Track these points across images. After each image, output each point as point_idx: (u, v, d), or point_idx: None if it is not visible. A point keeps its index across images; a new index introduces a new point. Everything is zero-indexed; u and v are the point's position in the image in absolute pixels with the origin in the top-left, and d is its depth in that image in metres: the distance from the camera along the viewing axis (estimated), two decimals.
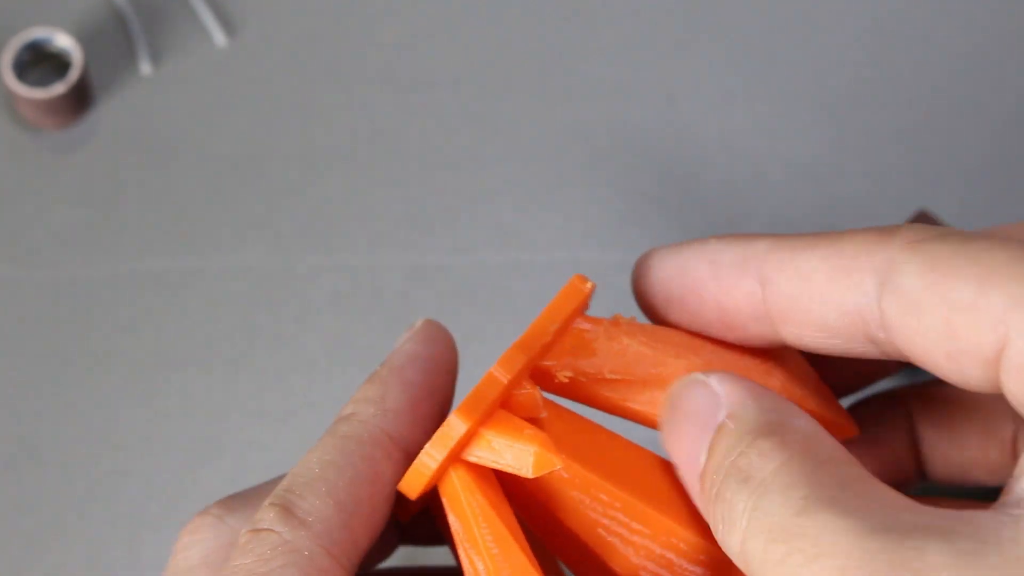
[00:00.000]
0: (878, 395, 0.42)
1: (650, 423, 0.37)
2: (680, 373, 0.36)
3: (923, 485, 0.43)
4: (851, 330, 0.34)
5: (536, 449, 0.34)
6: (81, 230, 0.59)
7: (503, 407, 0.35)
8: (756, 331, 0.36)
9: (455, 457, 0.35)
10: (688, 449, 0.34)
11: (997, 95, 0.62)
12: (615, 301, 0.53)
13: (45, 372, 0.57)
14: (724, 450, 0.33)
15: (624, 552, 0.35)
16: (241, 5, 0.63)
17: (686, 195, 0.60)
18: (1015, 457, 0.40)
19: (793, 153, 0.61)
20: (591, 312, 0.38)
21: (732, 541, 0.32)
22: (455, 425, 0.34)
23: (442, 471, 0.35)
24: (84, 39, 0.62)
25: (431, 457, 0.35)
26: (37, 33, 0.60)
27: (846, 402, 0.42)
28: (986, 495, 0.42)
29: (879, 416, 0.42)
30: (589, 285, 0.36)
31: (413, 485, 0.36)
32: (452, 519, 0.36)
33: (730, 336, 0.37)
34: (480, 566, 0.35)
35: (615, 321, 0.37)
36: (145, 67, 0.62)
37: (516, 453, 0.34)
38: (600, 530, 0.35)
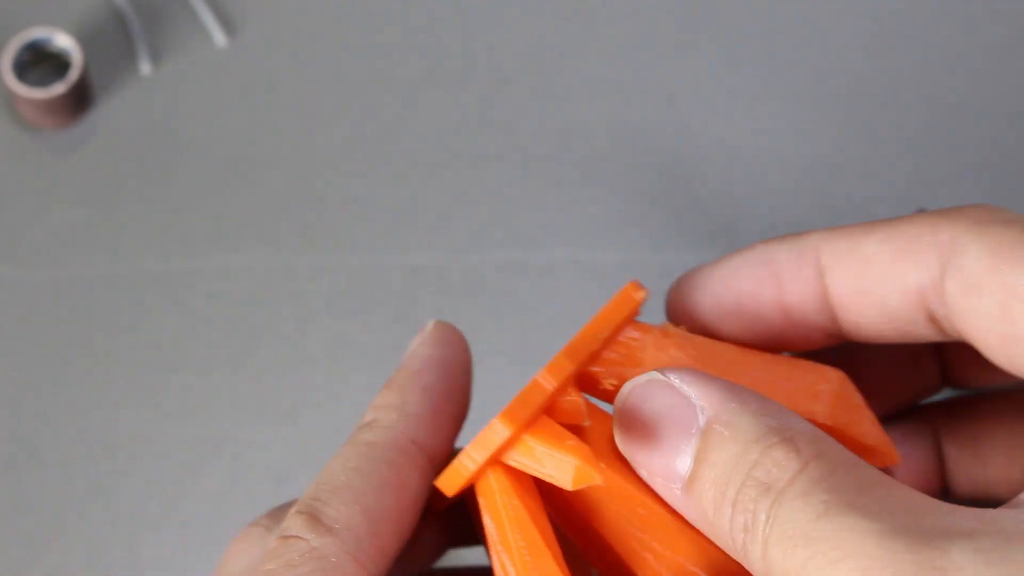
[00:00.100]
0: (905, 412, 0.42)
1: None
2: None
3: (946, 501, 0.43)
4: (911, 311, 0.35)
5: (577, 463, 0.34)
6: (81, 230, 0.59)
7: (547, 413, 0.35)
8: (817, 324, 0.36)
9: (495, 460, 0.35)
10: (662, 455, 0.34)
11: (997, 95, 0.62)
12: None
13: (45, 372, 0.57)
14: (728, 460, 0.33)
15: (656, 567, 0.35)
16: (241, 5, 0.63)
17: (686, 195, 0.60)
18: None
19: (793, 153, 0.61)
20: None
21: (754, 551, 0.32)
22: (498, 430, 0.34)
23: (480, 472, 0.35)
24: (84, 39, 0.62)
25: (471, 459, 0.35)
26: (37, 33, 0.60)
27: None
28: None
29: (906, 432, 0.42)
30: (642, 294, 0.36)
31: (451, 484, 0.36)
32: (487, 520, 0.35)
33: (792, 335, 0.37)
34: (511, 570, 0.35)
35: (665, 332, 0.37)
36: (145, 67, 0.62)
37: (557, 464, 0.34)
38: (634, 543, 0.35)
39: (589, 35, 0.63)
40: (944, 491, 0.42)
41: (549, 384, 0.35)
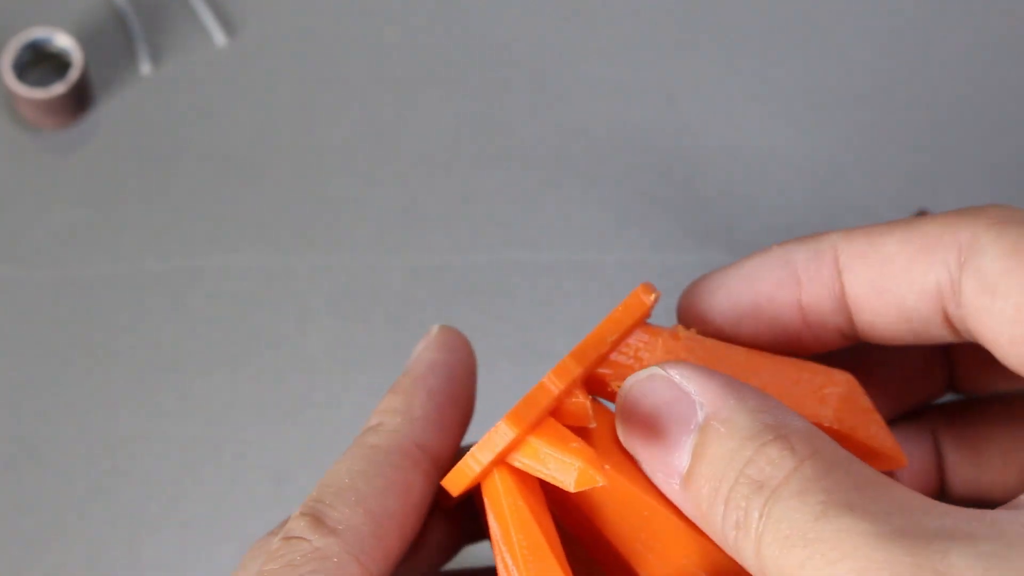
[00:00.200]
0: (906, 414, 0.42)
1: None
2: None
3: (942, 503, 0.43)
4: (928, 311, 0.35)
5: (580, 465, 0.34)
6: (81, 230, 0.59)
7: (553, 415, 0.35)
8: (833, 325, 0.36)
9: (500, 461, 0.35)
10: (661, 450, 0.34)
11: (997, 96, 0.62)
12: (615, 301, 0.53)
13: (45, 372, 0.57)
14: (724, 456, 0.33)
15: (659, 568, 0.35)
16: (241, 5, 0.63)
17: (686, 195, 0.60)
18: None
19: (793, 153, 0.61)
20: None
21: (747, 547, 0.32)
22: (503, 431, 0.34)
23: (486, 473, 0.36)
24: (84, 39, 0.62)
25: (476, 461, 0.35)
26: (37, 33, 0.60)
27: None
28: None
29: (907, 435, 0.42)
30: (653, 297, 0.36)
31: (456, 483, 0.36)
32: (491, 520, 0.36)
33: (807, 336, 0.37)
34: (514, 570, 0.35)
35: (675, 335, 0.37)
36: (145, 67, 0.62)
37: (560, 466, 0.34)
38: (637, 544, 0.35)
39: (589, 35, 0.63)
40: (941, 492, 0.42)
41: (555, 387, 0.35)
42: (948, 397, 0.47)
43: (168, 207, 0.60)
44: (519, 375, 0.57)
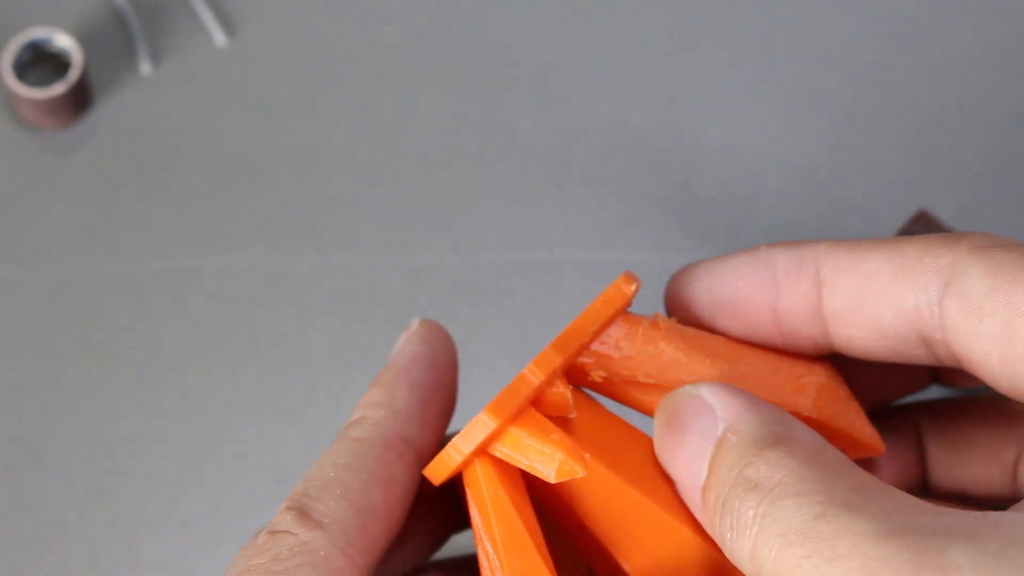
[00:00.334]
0: (890, 408, 0.42)
1: None
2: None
3: (923, 497, 0.43)
4: (905, 331, 0.35)
5: (560, 456, 0.34)
6: (81, 230, 0.59)
7: (534, 404, 0.35)
8: (807, 334, 0.36)
9: (481, 451, 0.35)
10: (687, 464, 0.34)
11: (997, 96, 0.62)
12: None
13: (45, 372, 0.57)
14: (729, 463, 0.33)
15: (640, 557, 0.36)
16: (241, 5, 0.63)
17: (686, 195, 0.60)
18: (1015, 479, 0.40)
19: (793, 153, 0.61)
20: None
21: (741, 548, 0.32)
22: (484, 422, 0.35)
23: (467, 463, 0.36)
24: (84, 39, 0.62)
25: (458, 451, 0.35)
26: (37, 33, 0.60)
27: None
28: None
29: (890, 427, 0.42)
30: (633, 287, 0.37)
31: (437, 473, 0.36)
32: (472, 510, 0.36)
33: (780, 341, 0.37)
34: (495, 560, 0.35)
35: (655, 323, 0.37)
36: (145, 67, 0.62)
37: (541, 457, 0.34)
38: (619, 533, 0.36)
39: (589, 35, 0.63)
40: (923, 486, 0.42)
41: (536, 377, 0.35)
42: (933, 391, 0.47)
43: (168, 207, 0.60)
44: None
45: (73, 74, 0.59)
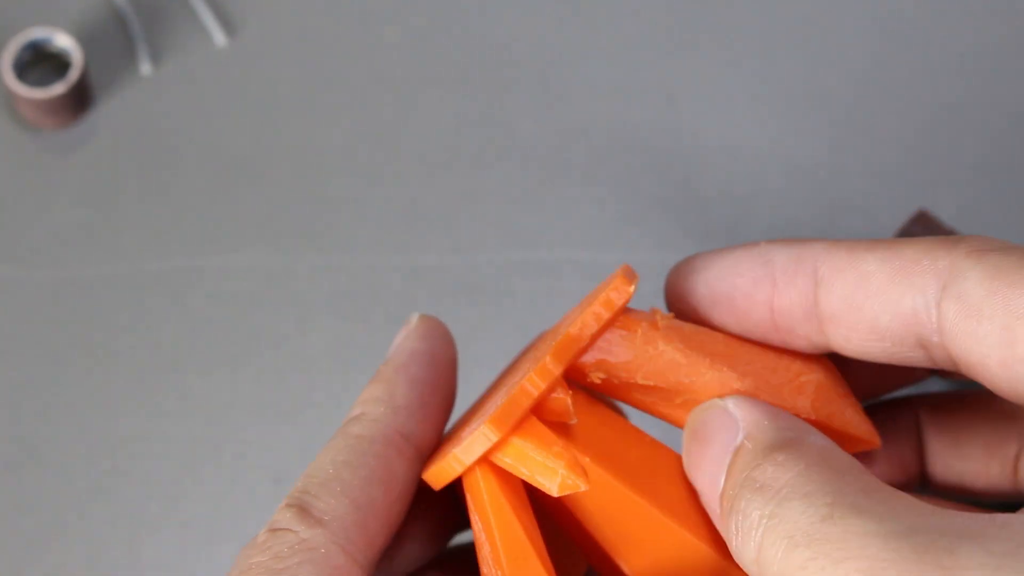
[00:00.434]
0: (890, 400, 0.42)
1: (681, 426, 0.37)
2: (711, 385, 0.36)
3: (922, 491, 0.43)
4: (902, 333, 0.35)
5: (563, 471, 0.34)
6: (81, 230, 0.59)
7: (534, 411, 0.35)
8: (803, 333, 0.36)
9: (482, 460, 0.35)
10: (709, 475, 0.34)
11: (997, 96, 0.62)
12: None
13: (45, 372, 0.57)
14: (740, 467, 0.33)
15: (638, 558, 0.36)
16: (241, 5, 0.63)
17: (686, 195, 0.60)
18: (1015, 474, 0.40)
19: (793, 153, 0.61)
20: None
21: (747, 549, 0.32)
22: (486, 435, 0.35)
23: (468, 471, 0.36)
24: (84, 39, 0.62)
25: (459, 462, 0.35)
26: (37, 33, 0.60)
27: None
28: (981, 506, 0.42)
29: (889, 420, 0.42)
30: (632, 288, 0.36)
31: (438, 479, 0.36)
32: (473, 517, 0.36)
33: (775, 338, 0.37)
34: (496, 572, 0.35)
35: (653, 323, 0.37)
36: (145, 67, 0.62)
37: (543, 470, 0.34)
38: (618, 535, 0.36)
39: (589, 35, 0.63)
40: (921, 479, 0.42)
41: (536, 388, 0.35)
42: (933, 384, 0.47)
43: (168, 207, 0.60)
44: None
45: (73, 74, 0.59)
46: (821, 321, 0.36)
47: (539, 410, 0.35)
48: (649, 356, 0.36)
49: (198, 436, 0.56)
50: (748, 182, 0.61)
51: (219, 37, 0.62)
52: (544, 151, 0.61)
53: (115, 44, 0.62)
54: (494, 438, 0.35)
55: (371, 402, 0.38)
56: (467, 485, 0.36)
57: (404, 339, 0.39)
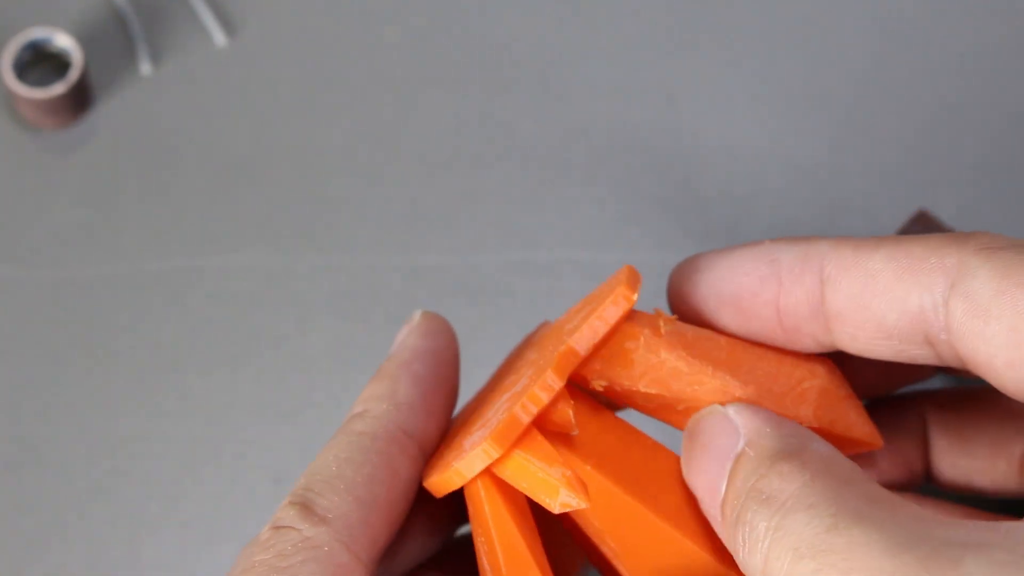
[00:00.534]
0: (895, 396, 0.42)
1: (682, 430, 0.37)
2: (714, 393, 0.36)
3: (926, 487, 0.43)
4: (909, 331, 0.34)
5: (563, 489, 0.34)
6: (81, 230, 0.59)
7: (536, 423, 0.35)
8: (810, 331, 0.36)
9: (483, 471, 0.35)
10: (708, 480, 0.34)
11: (997, 96, 0.62)
12: None
13: (45, 372, 0.57)
14: (743, 476, 0.33)
15: (639, 564, 0.35)
16: (241, 5, 0.63)
17: (686, 195, 0.60)
18: (1022, 472, 0.40)
19: (793, 153, 0.61)
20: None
21: (754, 561, 0.32)
22: (488, 451, 0.35)
23: (469, 482, 0.36)
24: (84, 39, 0.62)
25: (460, 476, 0.35)
26: (37, 33, 0.60)
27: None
28: (986, 504, 0.42)
29: (894, 417, 0.42)
30: (635, 298, 0.36)
31: (439, 488, 0.36)
32: (474, 526, 0.36)
33: (781, 338, 0.37)
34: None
35: (656, 329, 0.36)
36: (145, 67, 0.62)
37: (544, 487, 0.34)
38: (618, 541, 0.35)
39: (589, 35, 0.63)
40: (927, 478, 0.42)
41: (538, 405, 0.35)
42: (939, 381, 0.47)
43: (168, 207, 0.60)
44: None
45: (73, 74, 0.59)
46: (828, 319, 0.36)
47: (541, 420, 0.35)
48: (651, 364, 0.36)
49: (198, 436, 0.56)
50: (748, 182, 0.61)
51: (219, 37, 0.62)
52: (544, 151, 0.61)
53: (115, 44, 0.62)
54: (495, 455, 0.35)
55: (374, 399, 0.37)
56: (468, 494, 0.36)
57: (407, 336, 0.39)
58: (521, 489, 0.35)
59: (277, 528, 0.35)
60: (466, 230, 0.60)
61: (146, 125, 0.61)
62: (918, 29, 0.63)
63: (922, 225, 0.57)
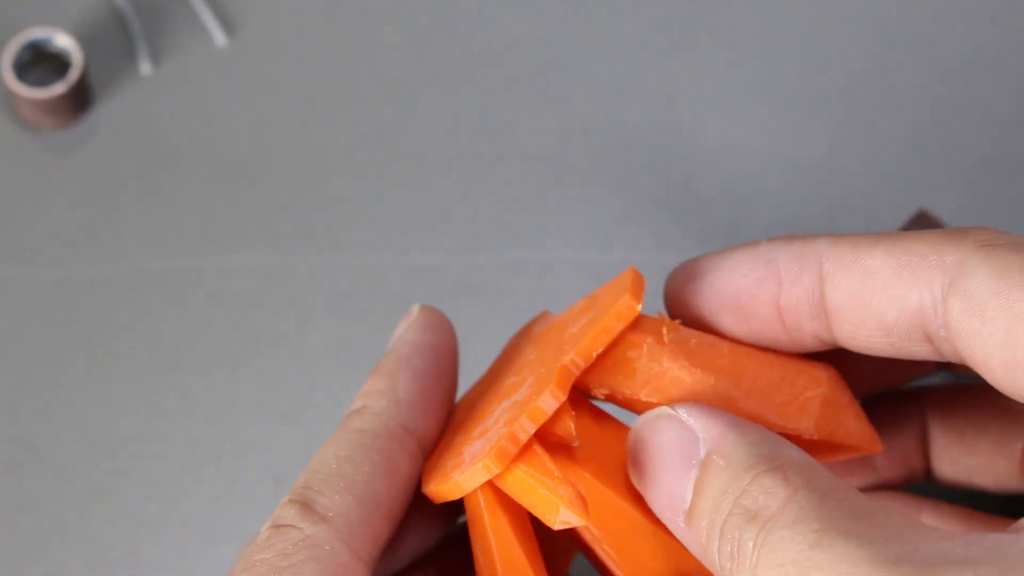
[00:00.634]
0: (895, 393, 0.42)
1: None
2: (715, 404, 0.36)
3: (926, 486, 0.43)
4: (909, 328, 0.34)
5: (562, 507, 0.34)
6: (81, 230, 0.59)
7: (537, 434, 0.35)
8: (811, 330, 0.36)
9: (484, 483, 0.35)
10: (666, 488, 0.34)
11: (997, 96, 0.62)
12: None
13: (45, 372, 0.57)
14: (720, 488, 0.32)
15: (636, 572, 0.35)
16: (241, 5, 0.63)
17: (686, 195, 0.60)
18: (1022, 469, 0.40)
19: (793, 153, 0.61)
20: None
21: None
22: (490, 467, 0.34)
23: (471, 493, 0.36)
24: (84, 39, 0.62)
25: (459, 488, 0.35)
26: (37, 33, 0.60)
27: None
28: (987, 500, 0.42)
29: (894, 414, 0.42)
30: (639, 308, 0.36)
31: (438, 497, 0.36)
32: (473, 534, 0.36)
33: (783, 338, 0.36)
34: None
35: (659, 337, 0.36)
36: (145, 67, 0.62)
37: (543, 503, 0.34)
38: (616, 548, 0.35)
39: (589, 35, 0.63)
40: (927, 475, 0.42)
41: (540, 420, 0.35)
42: (939, 377, 0.46)
43: (168, 207, 0.60)
44: None
45: (73, 74, 0.59)
46: (827, 317, 0.36)
47: (542, 431, 0.35)
48: (654, 373, 0.36)
49: (198, 436, 0.56)
50: (748, 182, 0.61)
51: (219, 37, 0.62)
52: (544, 151, 0.61)
53: (115, 44, 0.62)
54: (496, 470, 0.34)
55: (373, 395, 0.37)
56: (466, 499, 0.36)
57: (405, 331, 0.39)
58: (520, 502, 0.35)
59: (277, 527, 0.35)
60: (466, 230, 0.60)
61: (146, 125, 0.61)
62: (918, 29, 0.63)
63: (922, 225, 0.57)
